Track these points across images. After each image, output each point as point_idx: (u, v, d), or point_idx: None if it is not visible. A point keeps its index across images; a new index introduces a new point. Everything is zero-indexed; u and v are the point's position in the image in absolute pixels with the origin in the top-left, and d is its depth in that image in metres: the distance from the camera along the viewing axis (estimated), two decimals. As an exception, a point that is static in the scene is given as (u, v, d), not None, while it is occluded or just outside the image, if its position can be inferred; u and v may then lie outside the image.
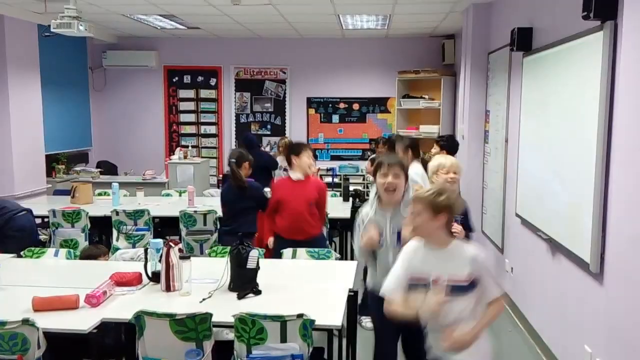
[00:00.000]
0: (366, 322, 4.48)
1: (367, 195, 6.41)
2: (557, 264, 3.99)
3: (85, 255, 4.07)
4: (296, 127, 9.52)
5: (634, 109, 2.82)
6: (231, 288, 3.24)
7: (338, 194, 6.70)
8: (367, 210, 3.22)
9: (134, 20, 7.54)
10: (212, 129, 9.65)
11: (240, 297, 3.15)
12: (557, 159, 3.97)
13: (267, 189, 5.62)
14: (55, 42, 7.39)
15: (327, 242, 5.16)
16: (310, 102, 9.51)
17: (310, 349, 2.76)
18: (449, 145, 5.78)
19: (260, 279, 3.25)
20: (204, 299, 3.11)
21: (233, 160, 4.81)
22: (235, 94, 9.56)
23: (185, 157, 8.61)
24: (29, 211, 5.07)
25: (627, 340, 2.83)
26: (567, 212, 3.72)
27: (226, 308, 2.88)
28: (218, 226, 5.48)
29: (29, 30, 7.15)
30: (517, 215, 4.90)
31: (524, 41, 4.68)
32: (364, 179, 9.02)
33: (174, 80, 9.58)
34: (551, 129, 4.10)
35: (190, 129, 9.70)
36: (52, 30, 5.11)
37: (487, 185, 6.27)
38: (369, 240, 3.06)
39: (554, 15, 4.17)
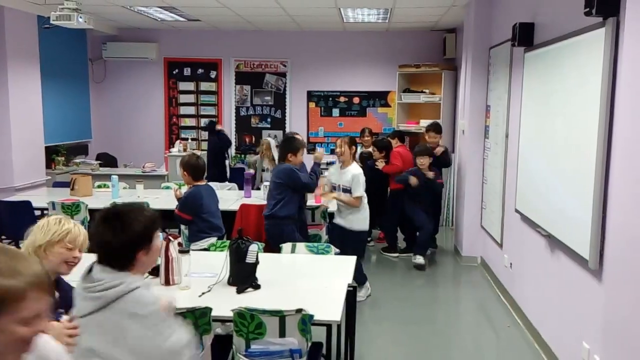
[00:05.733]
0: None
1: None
2: (556, 261, 3.99)
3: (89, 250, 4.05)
4: (296, 120, 9.50)
5: (635, 106, 2.81)
6: (230, 282, 3.25)
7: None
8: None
9: (134, 12, 7.51)
10: (212, 122, 9.62)
11: (239, 292, 3.16)
12: (557, 155, 3.97)
13: None
14: (54, 34, 7.36)
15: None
16: (310, 95, 9.49)
17: (309, 344, 2.77)
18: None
19: (260, 273, 3.26)
20: (203, 293, 3.12)
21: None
22: (235, 86, 9.54)
23: (185, 150, 8.60)
24: None
25: (625, 337, 2.84)
26: (566, 209, 3.72)
27: (225, 302, 2.88)
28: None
29: (29, 22, 7.11)
30: (516, 210, 4.90)
31: (525, 36, 4.66)
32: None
33: (174, 72, 9.55)
34: (552, 124, 4.09)
35: (190, 122, 9.68)
36: (51, 22, 5.09)
37: (486, 181, 6.27)
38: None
39: (556, 11, 4.15)
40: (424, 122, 8.35)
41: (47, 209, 5.59)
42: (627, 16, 2.91)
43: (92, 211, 5.58)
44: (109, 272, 1.95)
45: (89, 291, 1.89)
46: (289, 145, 5.00)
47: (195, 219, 4.65)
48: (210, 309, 2.74)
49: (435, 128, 6.92)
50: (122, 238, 1.96)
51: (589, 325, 3.38)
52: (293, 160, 4.93)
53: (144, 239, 1.99)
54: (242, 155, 9.53)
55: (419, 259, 6.26)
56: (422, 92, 8.68)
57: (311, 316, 2.70)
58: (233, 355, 2.83)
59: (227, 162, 8.41)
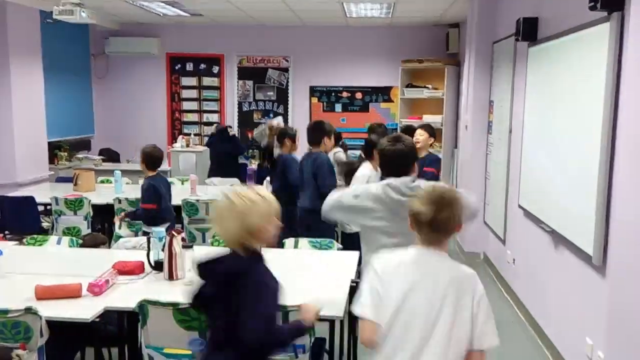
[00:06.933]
0: None
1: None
2: (559, 256, 3.98)
3: (83, 246, 4.06)
4: (299, 115, 9.48)
5: (638, 101, 2.80)
6: (233, 278, 3.24)
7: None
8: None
9: (136, 7, 7.49)
10: (214, 117, 9.61)
11: (242, 287, 3.15)
12: (561, 151, 3.96)
13: None
14: (57, 29, 7.36)
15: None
16: (313, 90, 9.47)
17: (312, 340, 2.77)
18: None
19: (263, 268, 3.24)
20: (206, 289, 3.11)
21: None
22: (237, 82, 9.52)
23: (187, 145, 8.61)
24: None
25: (629, 333, 2.84)
26: (570, 204, 3.71)
27: (228, 298, 2.87)
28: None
29: (31, 17, 7.10)
30: (519, 206, 4.89)
31: (529, 31, 4.64)
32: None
33: (177, 67, 9.54)
34: (555, 120, 4.08)
35: (193, 117, 9.67)
36: (54, 17, 5.09)
37: (490, 176, 6.25)
38: None
39: (560, 5, 4.13)
40: (427, 118, 8.34)
41: (50, 204, 5.60)
42: (632, 11, 2.89)
43: (95, 206, 5.58)
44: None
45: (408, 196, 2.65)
46: (323, 128, 4.99)
47: (157, 207, 4.86)
48: (213, 304, 2.73)
49: (424, 126, 5.78)
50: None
51: (592, 321, 3.38)
52: (328, 143, 4.96)
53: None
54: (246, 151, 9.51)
55: None
56: (425, 87, 8.66)
57: (314, 311, 2.70)
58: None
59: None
